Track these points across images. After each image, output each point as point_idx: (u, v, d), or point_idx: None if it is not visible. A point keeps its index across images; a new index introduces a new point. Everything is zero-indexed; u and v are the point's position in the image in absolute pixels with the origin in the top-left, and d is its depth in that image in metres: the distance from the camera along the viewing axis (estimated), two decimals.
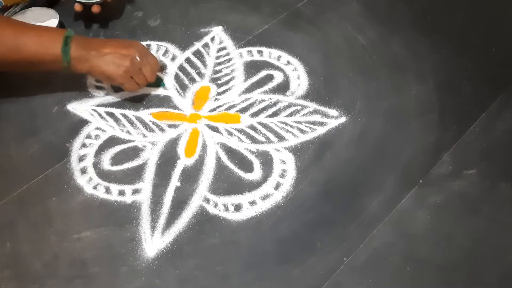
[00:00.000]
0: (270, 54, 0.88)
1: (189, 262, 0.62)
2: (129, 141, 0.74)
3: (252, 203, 0.68)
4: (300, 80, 0.83)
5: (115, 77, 0.74)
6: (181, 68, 0.85)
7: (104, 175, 0.70)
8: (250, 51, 0.88)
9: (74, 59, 0.72)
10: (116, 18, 0.93)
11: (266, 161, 0.72)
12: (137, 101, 0.80)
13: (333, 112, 0.79)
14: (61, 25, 0.89)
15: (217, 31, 0.92)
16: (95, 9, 0.87)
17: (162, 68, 0.83)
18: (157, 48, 0.88)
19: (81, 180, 0.70)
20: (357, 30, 0.92)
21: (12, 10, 0.88)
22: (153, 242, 0.64)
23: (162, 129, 0.76)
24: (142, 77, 0.76)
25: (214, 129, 0.77)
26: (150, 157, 0.72)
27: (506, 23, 0.95)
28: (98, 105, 0.79)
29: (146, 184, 0.69)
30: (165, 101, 0.80)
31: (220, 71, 0.85)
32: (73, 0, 0.87)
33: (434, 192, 0.69)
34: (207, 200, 0.68)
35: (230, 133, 0.76)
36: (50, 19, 0.89)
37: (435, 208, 0.68)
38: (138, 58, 0.74)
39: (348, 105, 0.80)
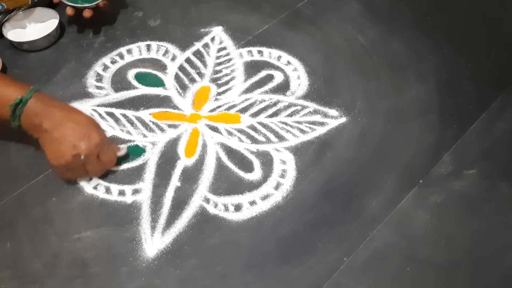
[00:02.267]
0: (270, 54, 0.88)
1: (189, 262, 0.62)
2: (129, 141, 0.74)
3: (252, 203, 0.68)
4: (300, 80, 0.83)
5: (51, 164, 0.67)
6: (181, 68, 0.85)
7: (104, 175, 0.70)
8: (250, 51, 0.88)
9: (24, 127, 0.65)
10: (116, 18, 0.93)
11: (266, 161, 0.72)
12: (137, 101, 0.80)
13: (333, 112, 0.79)
14: (61, 25, 0.89)
15: (217, 31, 0.92)
16: (87, 13, 0.86)
17: (118, 162, 0.71)
18: (157, 48, 0.88)
19: (81, 180, 0.70)
20: (357, 30, 0.92)
21: (14, 13, 0.88)
22: (153, 242, 0.64)
23: (162, 129, 0.76)
24: (82, 172, 0.68)
25: (214, 129, 0.77)
26: (150, 157, 0.72)
27: (506, 23, 0.95)
28: (98, 105, 0.79)
29: (146, 184, 0.69)
30: (165, 101, 0.80)
31: (220, 71, 0.85)
32: (65, 4, 0.86)
33: (434, 192, 0.69)
34: (207, 200, 0.68)
35: (230, 133, 0.76)
36: (50, 19, 0.89)
37: (435, 208, 0.68)
38: (82, 157, 0.65)
39: (348, 105, 0.80)
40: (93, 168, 0.68)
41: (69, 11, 0.87)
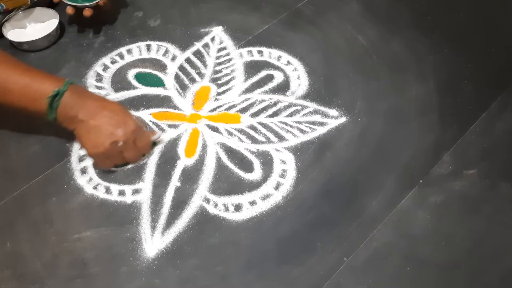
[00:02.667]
0: (270, 54, 0.88)
1: (189, 262, 0.62)
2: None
3: (252, 203, 0.68)
4: (300, 80, 0.83)
5: (90, 153, 0.69)
6: (181, 68, 0.85)
7: (104, 175, 0.70)
8: (250, 51, 0.88)
9: (59, 119, 0.66)
10: (116, 18, 0.93)
11: (266, 161, 0.72)
12: (137, 101, 0.80)
13: (333, 112, 0.79)
14: (61, 25, 0.89)
15: (217, 31, 0.92)
16: (87, 12, 0.86)
17: (155, 144, 0.73)
18: (157, 48, 0.88)
19: (81, 180, 0.70)
20: (357, 30, 0.92)
21: (14, 13, 0.88)
22: (153, 242, 0.64)
23: (162, 129, 0.76)
24: (120, 159, 0.69)
25: (214, 129, 0.77)
26: (150, 157, 0.72)
27: (506, 23, 0.95)
28: None
29: (146, 184, 0.69)
30: (165, 101, 0.80)
31: (220, 71, 0.85)
32: (65, 4, 0.86)
33: (434, 192, 0.69)
34: (207, 200, 0.68)
35: (230, 133, 0.76)
36: (50, 19, 0.89)
37: (435, 208, 0.68)
38: (121, 143, 0.66)
39: (348, 105, 0.80)
40: (131, 154, 0.69)
41: (69, 10, 0.86)
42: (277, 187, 0.70)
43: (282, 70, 0.85)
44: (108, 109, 0.67)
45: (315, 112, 0.79)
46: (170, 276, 0.61)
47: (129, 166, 0.71)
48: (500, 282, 0.61)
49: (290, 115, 0.79)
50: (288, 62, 0.86)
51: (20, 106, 0.66)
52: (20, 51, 0.87)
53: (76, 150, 0.73)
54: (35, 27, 0.90)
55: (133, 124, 0.68)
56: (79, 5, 0.86)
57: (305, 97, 0.81)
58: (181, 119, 0.78)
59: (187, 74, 0.84)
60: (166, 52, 0.88)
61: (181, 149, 0.74)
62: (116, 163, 0.70)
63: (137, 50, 0.88)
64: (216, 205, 0.67)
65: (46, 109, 0.65)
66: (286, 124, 0.77)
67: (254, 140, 0.75)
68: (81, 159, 0.72)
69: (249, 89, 0.82)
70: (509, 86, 0.84)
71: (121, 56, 0.87)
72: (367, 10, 0.96)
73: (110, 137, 0.66)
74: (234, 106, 0.80)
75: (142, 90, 0.81)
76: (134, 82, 0.83)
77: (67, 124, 0.67)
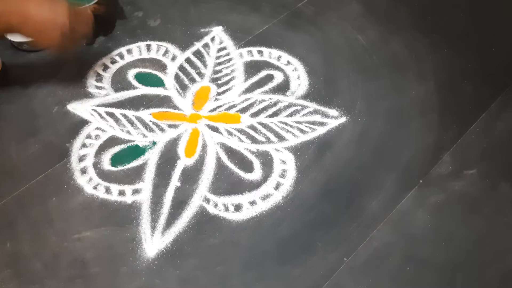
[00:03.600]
0: (270, 54, 0.88)
1: (189, 262, 0.62)
2: (129, 141, 0.74)
3: (252, 203, 0.68)
4: (300, 80, 0.83)
5: (49, 51, 0.71)
6: (181, 68, 0.85)
7: (104, 175, 0.70)
8: (250, 51, 0.88)
9: None
10: (116, 18, 0.93)
11: (266, 161, 0.72)
12: (137, 101, 0.80)
13: (333, 112, 0.79)
14: None
15: (217, 31, 0.92)
16: None
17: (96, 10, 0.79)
18: (157, 48, 0.88)
19: (81, 180, 0.70)
20: (357, 30, 0.92)
21: None
22: (153, 242, 0.64)
23: (162, 129, 0.76)
24: (78, 39, 0.73)
25: (214, 129, 0.77)
26: (150, 157, 0.72)
27: (506, 23, 0.95)
28: (98, 105, 0.79)
29: (146, 184, 0.69)
30: (165, 101, 0.80)
31: (220, 71, 0.85)
32: None
33: (434, 192, 0.69)
34: (207, 200, 0.68)
35: (230, 133, 0.76)
36: None
37: (435, 208, 0.68)
38: (65, 25, 0.69)
39: (348, 105, 0.80)
40: (80, 28, 0.72)
41: None
42: (277, 187, 0.70)
43: (282, 70, 0.85)
44: (34, 4, 0.67)
45: (315, 112, 0.79)
46: (170, 276, 0.61)
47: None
48: (500, 282, 0.61)
49: (290, 115, 0.79)
50: (288, 62, 0.86)
51: None
52: (20, 51, 0.87)
53: (76, 150, 0.73)
54: None
55: (65, 5, 0.69)
56: None
57: (305, 97, 0.81)
58: (181, 119, 0.78)
59: (187, 74, 0.84)
60: (166, 52, 0.88)
61: (181, 149, 0.74)
62: (77, 43, 0.73)
63: (137, 50, 0.88)
64: (216, 205, 0.67)
65: None
66: (286, 124, 0.77)
67: (254, 140, 0.75)
68: (81, 159, 0.72)
69: (249, 89, 0.82)
70: (509, 86, 0.84)
71: (121, 56, 0.87)
72: (367, 10, 0.96)
73: (57, 29, 0.68)
74: (234, 106, 0.80)
75: (142, 90, 0.81)
76: (134, 82, 0.83)
77: (7, 33, 0.68)
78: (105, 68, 0.85)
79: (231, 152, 0.73)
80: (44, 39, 0.68)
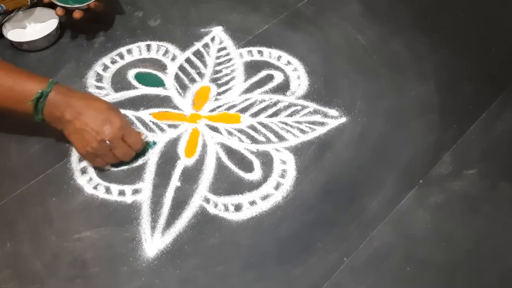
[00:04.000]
0: (270, 54, 0.88)
1: (189, 262, 0.62)
2: None
3: (252, 203, 0.68)
4: (300, 80, 0.83)
5: (80, 153, 0.69)
6: (181, 68, 0.85)
7: (104, 175, 0.70)
8: (250, 51, 0.88)
9: (47, 120, 0.67)
10: (116, 18, 0.93)
11: (266, 161, 0.72)
12: (137, 101, 0.80)
13: (333, 112, 0.79)
14: (61, 25, 0.89)
15: (217, 31, 0.92)
16: (76, 14, 0.84)
17: (147, 142, 0.73)
18: (157, 48, 0.88)
19: (81, 180, 0.70)
20: (357, 30, 0.92)
21: (14, 14, 0.88)
22: (153, 242, 0.64)
23: (162, 129, 0.76)
24: (111, 157, 0.69)
25: (214, 129, 0.77)
26: (150, 157, 0.72)
27: (506, 23, 0.95)
28: None
29: (146, 184, 0.69)
30: (165, 101, 0.80)
31: (220, 71, 0.85)
32: (55, 4, 0.85)
33: (434, 192, 0.69)
34: (207, 200, 0.68)
35: (230, 133, 0.76)
36: (50, 19, 0.89)
37: (435, 208, 0.68)
38: (108, 142, 0.66)
39: (348, 105, 0.80)
40: (121, 151, 0.69)
41: (59, 11, 0.85)
42: (277, 187, 0.70)
43: (282, 70, 0.85)
44: (93, 108, 0.67)
45: (315, 112, 0.79)
46: (170, 276, 0.61)
47: (125, 166, 0.71)
48: (500, 282, 0.61)
49: (290, 115, 0.78)
50: (288, 62, 0.86)
51: (6, 108, 0.67)
52: (20, 51, 0.87)
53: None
54: (35, 27, 0.90)
55: (119, 122, 0.67)
56: (69, 6, 0.85)
57: (305, 97, 0.81)
58: (181, 119, 0.78)
59: (187, 74, 0.84)
60: (166, 52, 0.88)
61: (181, 149, 0.74)
62: (109, 162, 0.70)
63: (137, 50, 0.88)
64: (216, 205, 0.67)
65: (32, 111, 0.66)
66: (286, 124, 0.77)
67: (254, 140, 0.75)
68: (81, 159, 0.72)
69: (249, 89, 0.82)
70: (509, 86, 0.84)
71: (121, 56, 0.87)
72: (367, 10, 0.96)
73: (97, 136, 0.66)
74: (234, 106, 0.80)
75: (142, 90, 0.81)
76: (134, 82, 0.83)
77: (56, 125, 0.68)
78: (105, 68, 0.85)
79: (231, 152, 0.73)
80: (80, 142, 0.67)
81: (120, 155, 0.69)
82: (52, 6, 0.89)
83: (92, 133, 0.66)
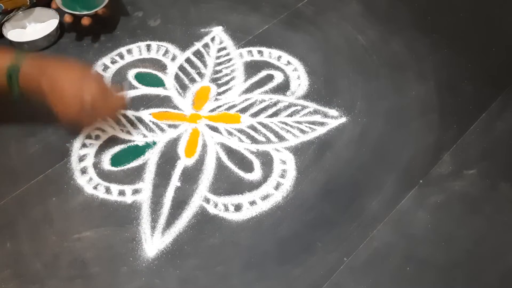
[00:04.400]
0: (270, 54, 0.88)
1: (189, 262, 0.62)
2: (129, 141, 0.74)
3: (252, 203, 0.68)
4: (300, 80, 0.83)
5: (64, 124, 0.69)
6: (181, 68, 0.85)
7: (104, 175, 0.70)
8: (250, 51, 0.88)
9: (25, 94, 0.66)
10: (116, 18, 0.93)
11: (266, 161, 0.72)
12: (137, 101, 0.80)
13: (333, 112, 0.79)
14: (61, 25, 0.89)
15: (217, 31, 0.92)
16: (85, 21, 0.85)
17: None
18: (157, 48, 0.88)
19: (81, 180, 0.70)
20: (357, 30, 0.92)
21: (14, 14, 0.88)
22: (153, 242, 0.64)
23: (162, 129, 0.76)
24: (99, 118, 0.71)
25: (214, 129, 0.77)
26: (150, 157, 0.72)
27: (506, 24, 0.95)
28: None
29: (146, 184, 0.69)
30: (165, 101, 0.80)
31: (220, 71, 0.85)
32: (63, 11, 0.85)
33: (434, 192, 0.69)
34: (207, 200, 0.68)
35: (230, 133, 0.76)
36: (50, 19, 0.89)
37: (435, 208, 0.68)
38: (89, 105, 0.66)
39: (348, 105, 0.80)
40: (106, 110, 0.69)
41: (67, 18, 0.85)
42: (277, 187, 0.70)
43: (282, 70, 0.85)
44: (68, 74, 0.66)
45: (315, 112, 0.79)
46: (170, 276, 0.61)
47: (125, 166, 0.71)
48: (500, 282, 0.61)
49: (290, 115, 0.79)
50: (288, 62, 0.86)
51: None
52: None
53: (76, 150, 0.73)
54: (35, 27, 0.90)
55: (96, 83, 0.67)
56: (77, 13, 0.85)
57: (305, 97, 0.81)
58: (181, 119, 0.78)
59: (187, 74, 0.84)
60: (166, 52, 0.88)
61: (181, 149, 0.74)
62: (96, 122, 0.71)
63: (137, 50, 0.88)
64: (216, 205, 0.67)
65: (7, 86, 0.64)
66: (286, 124, 0.77)
67: (254, 140, 0.75)
68: (81, 159, 0.72)
69: (249, 89, 0.82)
70: (509, 86, 0.84)
71: (121, 56, 0.87)
72: (367, 10, 0.96)
73: (77, 103, 0.65)
74: (234, 106, 0.80)
75: (142, 90, 0.81)
76: (134, 82, 0.83)
77: (35, 97, 0.66)
78: (105, 68, 0.85)
79: (231, 152, 0.73)
80: (62, 108, 0.66)
81: (106, 113, 0.71)
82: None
83: (72, 98, 0.65)
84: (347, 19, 0.95)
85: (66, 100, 0.65)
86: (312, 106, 0.80)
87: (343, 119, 0.78)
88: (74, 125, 0.70)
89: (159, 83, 0.83)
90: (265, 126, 0.77)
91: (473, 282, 0.61)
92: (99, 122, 0.71)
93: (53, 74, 0.66)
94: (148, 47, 0.88)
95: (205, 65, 0.86)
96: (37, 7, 0.90)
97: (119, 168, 0.71)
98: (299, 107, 0.80)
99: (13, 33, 0.87)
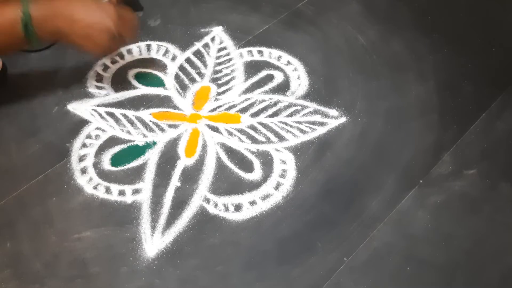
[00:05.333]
0: (270, 54, 0.88)
1: (189, 262, 0.62)
2: (129, 141, 0.74)
3: (252, 203, 0.68)
4: (300, 80, 0.83)
5: (95, 53, 0.70)
6: (181, 68, 0.85)
7: (104, 175, 0.70)
8: (250, 51, 0.88)
9: (43, 38, 0.65)
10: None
11: (266, 161, 0.72)
12: (137, 101, 0.80)
13: (333, 112, 0.79)
14: None
15: (218, 31, 0.92)
16: None
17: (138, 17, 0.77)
18: (157, 48, 0.88)
19: (81, 180, 0.70)
20: (357, 30, 0.92)
21: None
22: (153, 242, 0.64)
23: (162, 129, 0.76)
24: (122, 42, 0.72)
25: (215, 129, 0.77)
26: (150, 157, 0.72)
27: (506, 23, 0.95)
28: (98, 105, 0.79)
29: (146, 184, 0.69)
30: (165, 101, 0.80)
31: (220, 71, 0.85)
32: None
33: (434, 192, 0.69)
34: (207, 200, 0.68)
35: (230, 133, 0.76)
36: None
37: (435, 208, 0.68)
38: (113, 29, 0.67)
39: (348, 105, 0.80)
40: (128, 33, 0.71)
41: None
42: (277, 187, 0.70)
43: (282, 70, 0.85)
44: (81, 6, 0.66)
45: (315, 112, 0.79)
46: (170, 276, 0.61)
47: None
48: (500, 282, 0.61)
49: (290, 115, 0.79)
50: (288, 62, 0.86)
51: (5, 46, 0.65)
52: (20, 51, 0.87)
53: (76, 150, 0.73)
54: None
55: (112, 8, 0.67)
56: None
57: (305, 97, 0.81)
58: (181, 119, 0.78)
59: (187, 74, 0.84)
60: (166, 52, 0.88)
61: (181, 149, 0.74)
62: (120, 46, 0.73)
63: (137, 50, 0.88)
64: (216, 205, 0.68)
65: (25, 39, 0.63)
66: (286, 124, 0.77)
67: (254, 140, 0.75)
68: (81, 159, 0.72)
69: (249, 89, 0.82)
70: (509, 86, 0.84)
71: (121, 56, 0.87)
72: (367, 10, 0.96)
73: (105, 33, 0.66)
74: (234, 106, 0.80)
75: (142, 90, 0.81)
76: (134, 82, 0.83)
77: (55, 38, 0.66)
78: (105, 68, 0.85)
79: (231, 152, 0.73)
80: (92, 43, 0.67)
81: (128, 37, 0.71)
82: None
83: (98, 31, 0.65)
84: (347, 19, 0.95)
85: (90, 32, 0.65)
86: (312, 106, 0.80)
87: (343, 119, 0.78)
88: (103, 53, 0.71)
89: (159, 83, 0.83)
90: (265, 126, 0.77)
91: (473, 282, 0.61)
92: (124, 44, 0.73)
93: (65, 10, 0.65)
94: (148, 47, 0.88)
95: (205, 65, 0.86)
96: None
97: (119, 168, 0.71)
98: (299, 107, 0.80)
99: None
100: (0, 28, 0.62)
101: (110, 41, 0.68)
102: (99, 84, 0.82)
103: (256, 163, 0.72)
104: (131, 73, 0.84)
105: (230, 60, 0.87)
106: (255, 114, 0.78)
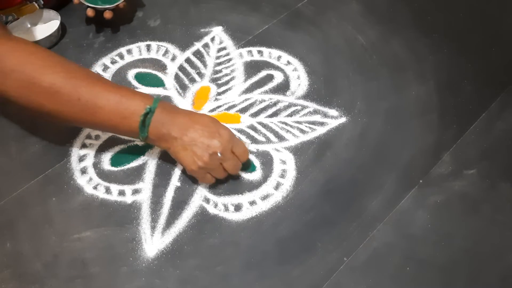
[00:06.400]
0: (270, 54, 0.88)
1: (189, 262, 0.62)
2: (129, 141, 0.74)
3: (252, 203, 0.68)
4: (300, 80, 0.83)
5: (189, 171, 0.66)
6: (181, 68, 0.85)
7: (104, 175, 0.70)
8: (250, 51, 0.88)
9: (151, 137, 0.64)
10: (117, 18, 0.93)
11: (266, 161, 0.72)
12: None
13: (333, 112, 0.79)
14: (62, 26, 0.89)
15: (217, 31, 0.92)
16: (108, 14, 0.87)
17: (251, 152, 0.73)
18: (157, 48, 0.88)
19: (81, 180, 0.70)
20: (357, 30, 0.92)
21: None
22: (153, 242, 0.64)
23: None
24: (222, 171, 0.67)
25: None
26: (150, 157, 0.72)
27: (506, 23, 0.95)
28: None
29: (146, 184, 0.69)
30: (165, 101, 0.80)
31: (220, 71, 0.85)
32: (84, 6, 0.87)
33: (434, 192, 0.69)
34: (207, 200, 0.68)
35: None
36: (51, 20, 0.89)
37: (435, 208, 0.68)
38: (219, 154, 0.64)
39: (348, 105, 0.80)
40: (231, 164, 0.66)
41: (90, 12, 0.87)
42: (277, 187, 0.70)
43: (282, 70, 0.85)
44: (199, 123, 0.65)
45: (315, 112, 0.79)
46: (170, 276, 0.61)
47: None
48: (500, 282, 0.61)
49: (290, 115, 0.79)
50: (288, 62, 0.86)
51: (110, 125, 0.64)
52: None
53: (76, 150, 0.73)
54: (37, 28, 0.90)
55: (227, 133, 0.65)
56: (99, 7, 0.87)
57: (305, 97, 0.81)
58: None
59: (187, 74, 0.84)
60: (166, 52, 0.88)
61: None
62: (218, 176, 0.68)
63: (137, 50, 0.88)
64: (216, 205, 0.68)
65: (137, 128, 0.63)
66: (286, 124, 0.77)
67: (254, 140, 0.75)
68: (81, 159, 0.72)
69: (249, 89, 0.82)
70: (509, 86, 0.84)
71: (121, 56, 0.87)
72: (367, 10, 0.96)
73: (208, 149, 0.63)
74: (234, 106, 0.80)
75: (142, 90, 0.81)
76: (134, 82, 0.83)
77: (160, 142, 0.65)
78: (105, 68, 0.85)
79: None
80: (190, 162, 0.65)
81: (229, 168, 0.67)
82: (59, 7, 0.89)
83: (202, 146, 0.63)
84: (347, 19, 0.95)
85: (196, 150, 0.64)
86: (312, 106, 0.80)
87: (343, 119, 0.78)
88: (201, 176, 0.67)
89: (159, 83, 0.83)
90: (265, 126, 0.77)
91: (473, 282, 0.61)
92: (224, 174, 0.68)
93: (183, 124, 0.64)
94: (148, 47, 0.88)
95: (205, 65, 0.86)
96: (38, 9, 0.90)
97: (119, 168, 0.71)
98: (299, 107, 0.80)
99: (15, 34, 0.87)
100: (121, 109, 0.63)
101: (209, 163, 0.64)
102: None
103: (256, 163, 0.72)
104: (131, 73, 0.84)
105: (230, 60, 0.87)
106: (255, 114, 0.78)
